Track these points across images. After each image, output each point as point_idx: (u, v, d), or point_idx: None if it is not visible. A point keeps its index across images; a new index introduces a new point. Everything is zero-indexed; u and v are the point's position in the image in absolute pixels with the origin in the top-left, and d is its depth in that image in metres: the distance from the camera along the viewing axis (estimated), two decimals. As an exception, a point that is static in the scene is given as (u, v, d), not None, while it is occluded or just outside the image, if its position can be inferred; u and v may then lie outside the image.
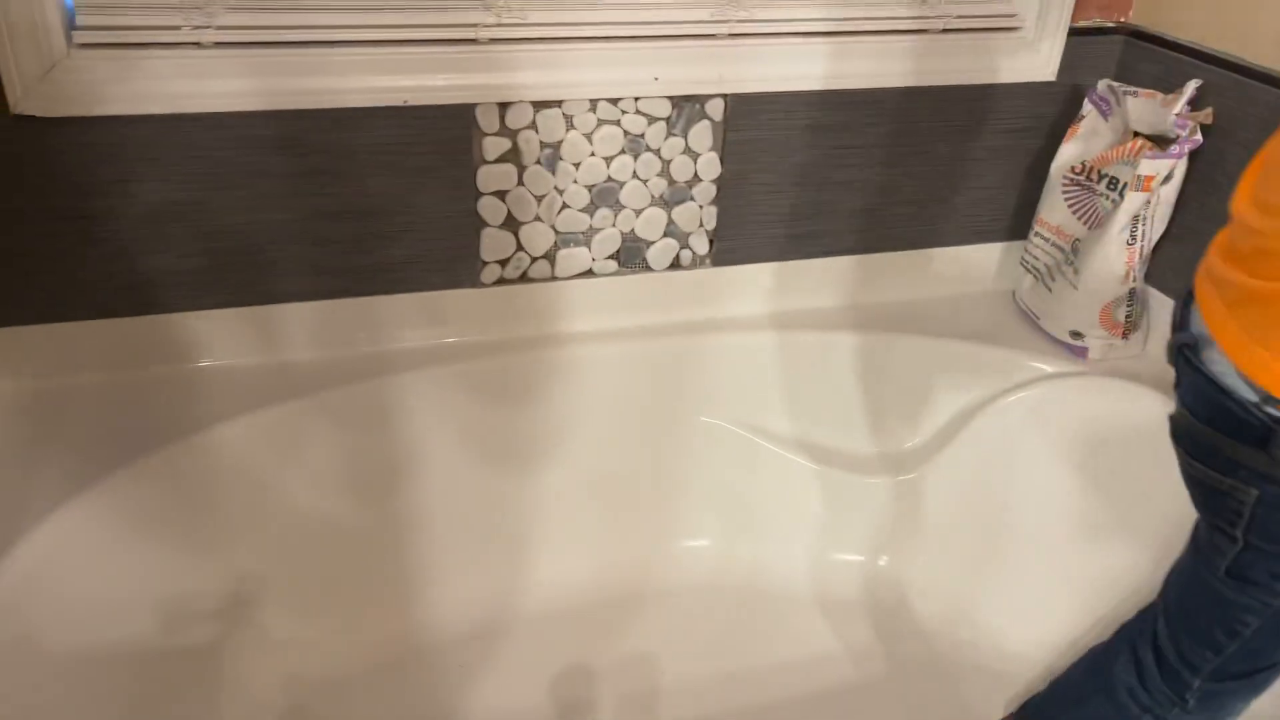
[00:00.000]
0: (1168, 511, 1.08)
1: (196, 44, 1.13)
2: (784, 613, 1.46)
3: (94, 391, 1.24)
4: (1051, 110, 1.47)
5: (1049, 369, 1.43)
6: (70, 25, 1.10)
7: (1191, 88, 1.30)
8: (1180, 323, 0.90)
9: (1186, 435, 0.90)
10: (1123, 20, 1.44)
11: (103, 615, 1.10)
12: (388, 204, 1.26)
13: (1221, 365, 0.83)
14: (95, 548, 1.10)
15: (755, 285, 1.47)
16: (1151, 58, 1.40)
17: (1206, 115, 1.30)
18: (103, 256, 1.19)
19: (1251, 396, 0.81)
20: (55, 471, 1.12)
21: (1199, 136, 1.29)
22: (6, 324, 1.20)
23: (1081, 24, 1.42)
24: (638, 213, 1.37)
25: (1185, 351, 0.87)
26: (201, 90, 1.13)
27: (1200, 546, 0.95)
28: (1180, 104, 1.30)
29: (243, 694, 1.22)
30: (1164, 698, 1.03)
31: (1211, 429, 0.86)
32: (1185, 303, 0.90)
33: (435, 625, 1.37)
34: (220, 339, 1.28)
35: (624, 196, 1.35)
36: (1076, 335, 1.43)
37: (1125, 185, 1.32)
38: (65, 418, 1.20)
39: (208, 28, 1.13)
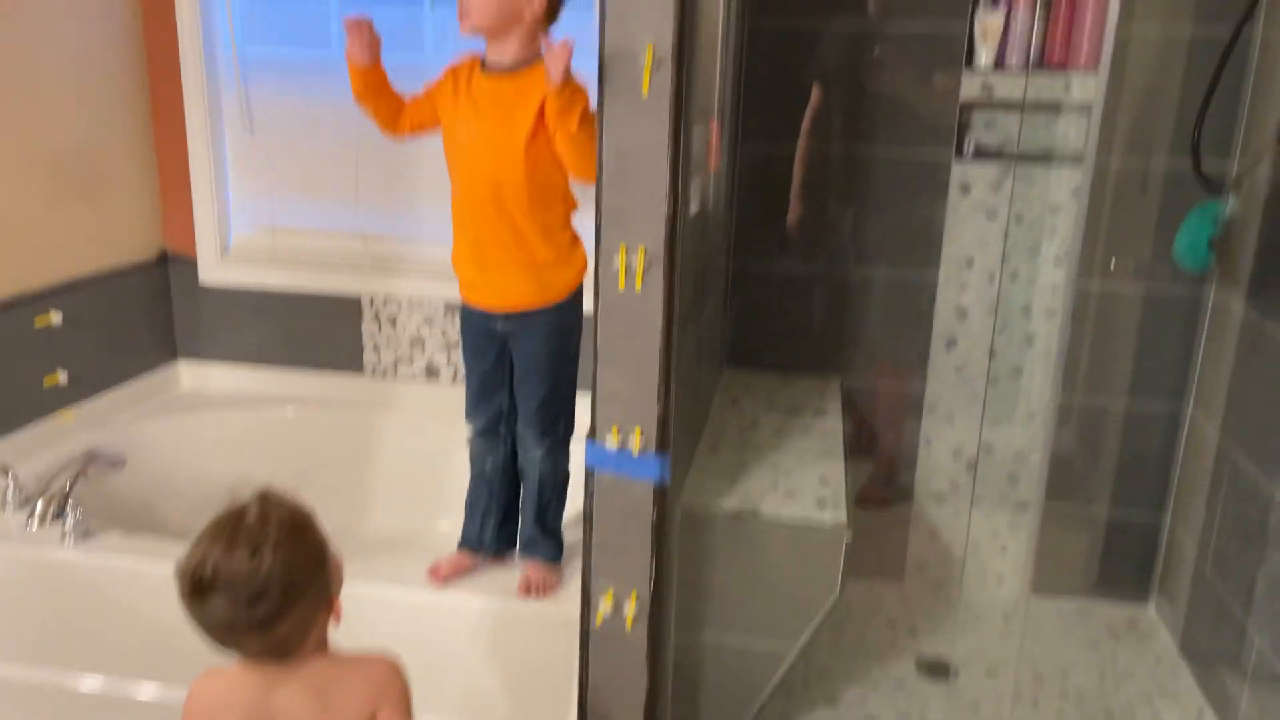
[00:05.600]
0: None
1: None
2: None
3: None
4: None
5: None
6: (224, 251, 2.96)
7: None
8: None
9: None
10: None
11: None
12: (331, 332, 2.93)
13: None
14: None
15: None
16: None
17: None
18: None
19: None
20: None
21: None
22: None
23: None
24: (436, 354, 2.90)
25: None
26: (268, 281, 2.93)
27: None
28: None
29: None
30: None
31: None
32: None
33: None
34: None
35: (428, 345, 2.89)
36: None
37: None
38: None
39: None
